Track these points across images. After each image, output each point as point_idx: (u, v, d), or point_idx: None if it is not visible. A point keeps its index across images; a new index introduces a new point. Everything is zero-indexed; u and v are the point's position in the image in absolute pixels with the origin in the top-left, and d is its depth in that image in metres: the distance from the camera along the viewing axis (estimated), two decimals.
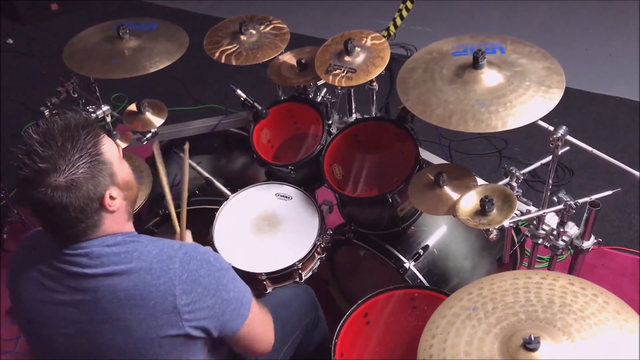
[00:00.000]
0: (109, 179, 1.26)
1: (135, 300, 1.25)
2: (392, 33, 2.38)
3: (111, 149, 1.29)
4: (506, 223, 1.59)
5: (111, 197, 1.27)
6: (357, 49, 2.06)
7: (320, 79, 2.11)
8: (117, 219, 1.31)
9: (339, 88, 2.26)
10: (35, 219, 1.32)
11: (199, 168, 2.27)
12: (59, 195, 1.19)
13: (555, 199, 1.68)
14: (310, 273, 1.91)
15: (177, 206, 2.20)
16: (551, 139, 1.61)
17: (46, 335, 1.34)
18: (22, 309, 1.37)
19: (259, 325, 1.47)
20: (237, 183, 2.15)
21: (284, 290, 1.86)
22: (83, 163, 1.21)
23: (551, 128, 1.62)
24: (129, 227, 1.37)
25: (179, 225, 1.73)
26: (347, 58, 2.05)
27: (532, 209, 1.74)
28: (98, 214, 1.27)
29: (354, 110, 2.35)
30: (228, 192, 2.12)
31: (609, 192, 1.65)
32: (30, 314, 1.35)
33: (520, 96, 1.63)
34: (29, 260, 1.35)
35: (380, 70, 2.01)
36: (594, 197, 1.63)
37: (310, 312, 1.85)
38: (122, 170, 1.31)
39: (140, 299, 1.25)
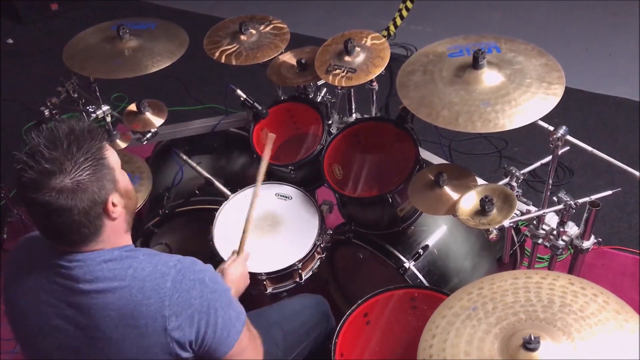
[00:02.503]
0: (112, 184, 1.26)
1: (127, 319, 1.24)
2: (392, 33, 2.38)
3: (113, 156, 1.29)
4: (506, 223, 1.59)
5: (113, 204, 1.26)
6: (357, 49, 2.06)
7: (320, 79, 2.11)
8: (117, 228, 1.30)
9: (339, 88, 2.26)
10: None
11: (199, 168, 2.27)
12: (65, 197, 1.18)
13: (555, 199, 1.68)
14: (310, 273, 1.91)
15: (177, 206, 2.23)
16: (551, 139, 1.61)
17: (41, 347, 1.33)
18: (16, 319, 1.36)
19: (247, 354, 1.41)
20: (237, 183, 2.15)
21: (293, 301, 1.85)
22: (88, 165, 1.20)
23: (551, 128, 1.62)
24: (127, 239, 1.35)
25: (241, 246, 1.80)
26: (347, 58, 2.05)
27: (532, 208, 1.74)
28: (100, 219, 1.25)
29: (354, 110, 2.35)
30: (228, 192, 2.12)
31: (609, 192, 1.65)
32: (25, 325, 1.34)
33: (524, 93, 1.63)
34: (24, 269, 1.33)
35: (380, 70, 2.01)
36: (594, 197, 1.63)
37: (320, 324, 1.82)
38: (124, 178, 1.31)
39: (131, 319, 1.24)
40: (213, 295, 1.30)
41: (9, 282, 1.36)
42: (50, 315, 1.29)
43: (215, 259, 1.84)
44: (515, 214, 1.61)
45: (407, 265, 1.93)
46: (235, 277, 1.67)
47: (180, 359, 1.29)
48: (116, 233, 1.30)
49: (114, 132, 2.30)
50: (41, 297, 1.29)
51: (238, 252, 1.79)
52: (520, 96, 1.62)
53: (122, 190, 1.29)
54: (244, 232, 1.83)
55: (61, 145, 1.19)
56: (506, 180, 1.75)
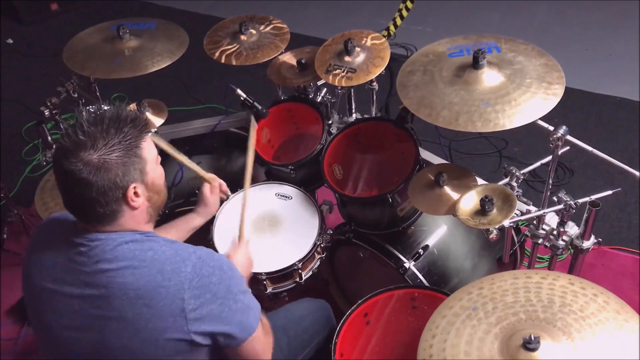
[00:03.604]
0: (139, 174, 1.29)
1: (144, 299, 1.25)
2: (392, 33, 2.38)
3: (150, 148, 1.33)
4: (506, 223, 1.59)
5: (135, 194, 1.29)
6: (357, 49, 2.06)
7: (320, 79, 2.12)
8: (136, 218, 1.32)
9: (339, 88, 2.26)
10: (36, 220, 1.32)
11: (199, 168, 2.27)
12: (88, 171, 1.22)
13: (555, 198, 1.68)
14: (310, 273, 1.91)
15: (177, 206, 2.23)
16: (551, 139, 1.61)
17: (51, 324, 1.34)
18: (31, 294, 1.38)
19: (262, 343, 1.44)
20: (237, 183, 2.15)
21: (297, 305, 1.86)
22: (120, 149, 1.25)
23: (551, 128, 1.62)
24: (148, 227, 1.37)
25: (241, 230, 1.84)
26: (347, 58, 2.05)
27: (532, 208, 1.74)
28: (118, 203, 1.28)
29: (354, 110, 2.35)
30: (228, 192, 2.11)
31: (609, 192, 1.65)
32: (39, 301, 1.35)
33: (524, 93, 1.63)
34: (44, 247, 1.36)
35: (380, 70, 2.01)
36: (594, 197, 1.63)
37: (323, 330, 1.83)
38: (155, 172, 1.34)
39: (149, 299, 1.25)
40: (231, 281, 1.33)
41: (28, 259, 1.39)
42: (66, 294, 1.30)
43: None
44: (515, 214, 1.61)
45: (407, 265, 1.93)
46: (242, 264, 1.70)
47: (196, 345, 1.30)
48: (135, 221, 1.33)
49: None
50: (58, 275, 1.31)
51: (239, 239, 1.83)
52: (520, 96, 1.62)
53: (149, 183, 1.32)
54: (242, 220, 1.85)
55: (101, 124, 1.25)
56: (506, 180, 1.75)
